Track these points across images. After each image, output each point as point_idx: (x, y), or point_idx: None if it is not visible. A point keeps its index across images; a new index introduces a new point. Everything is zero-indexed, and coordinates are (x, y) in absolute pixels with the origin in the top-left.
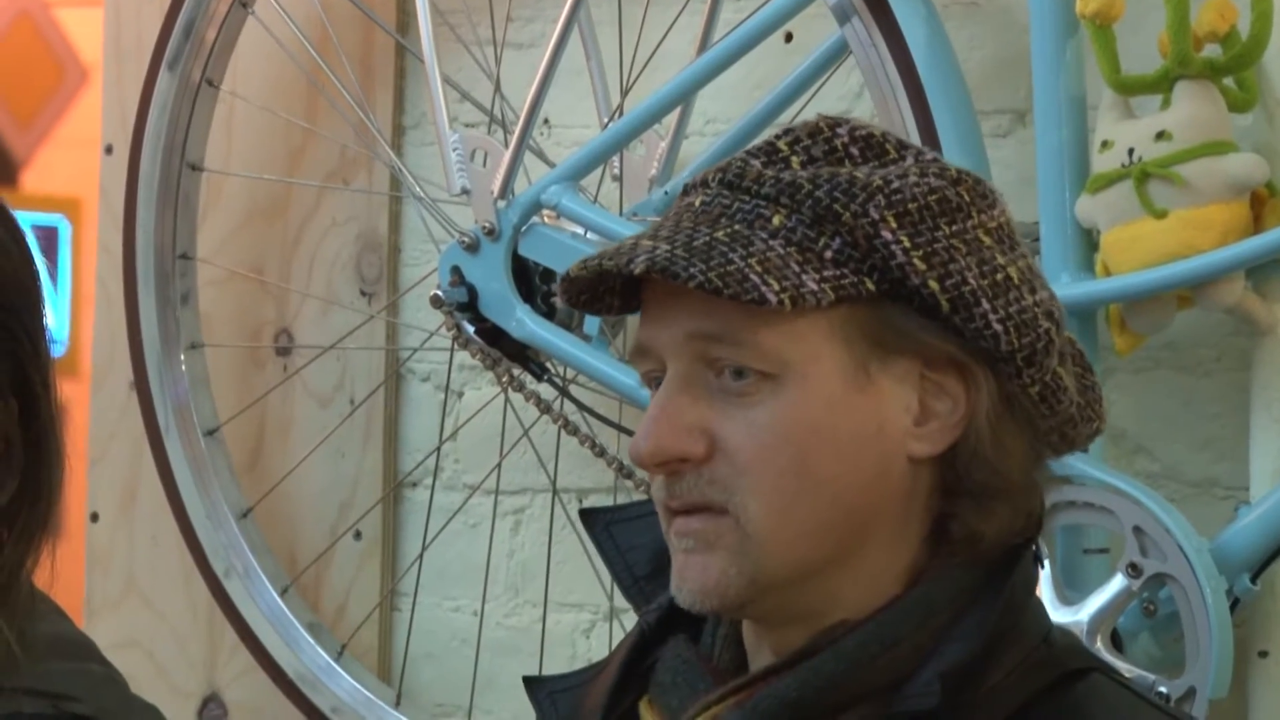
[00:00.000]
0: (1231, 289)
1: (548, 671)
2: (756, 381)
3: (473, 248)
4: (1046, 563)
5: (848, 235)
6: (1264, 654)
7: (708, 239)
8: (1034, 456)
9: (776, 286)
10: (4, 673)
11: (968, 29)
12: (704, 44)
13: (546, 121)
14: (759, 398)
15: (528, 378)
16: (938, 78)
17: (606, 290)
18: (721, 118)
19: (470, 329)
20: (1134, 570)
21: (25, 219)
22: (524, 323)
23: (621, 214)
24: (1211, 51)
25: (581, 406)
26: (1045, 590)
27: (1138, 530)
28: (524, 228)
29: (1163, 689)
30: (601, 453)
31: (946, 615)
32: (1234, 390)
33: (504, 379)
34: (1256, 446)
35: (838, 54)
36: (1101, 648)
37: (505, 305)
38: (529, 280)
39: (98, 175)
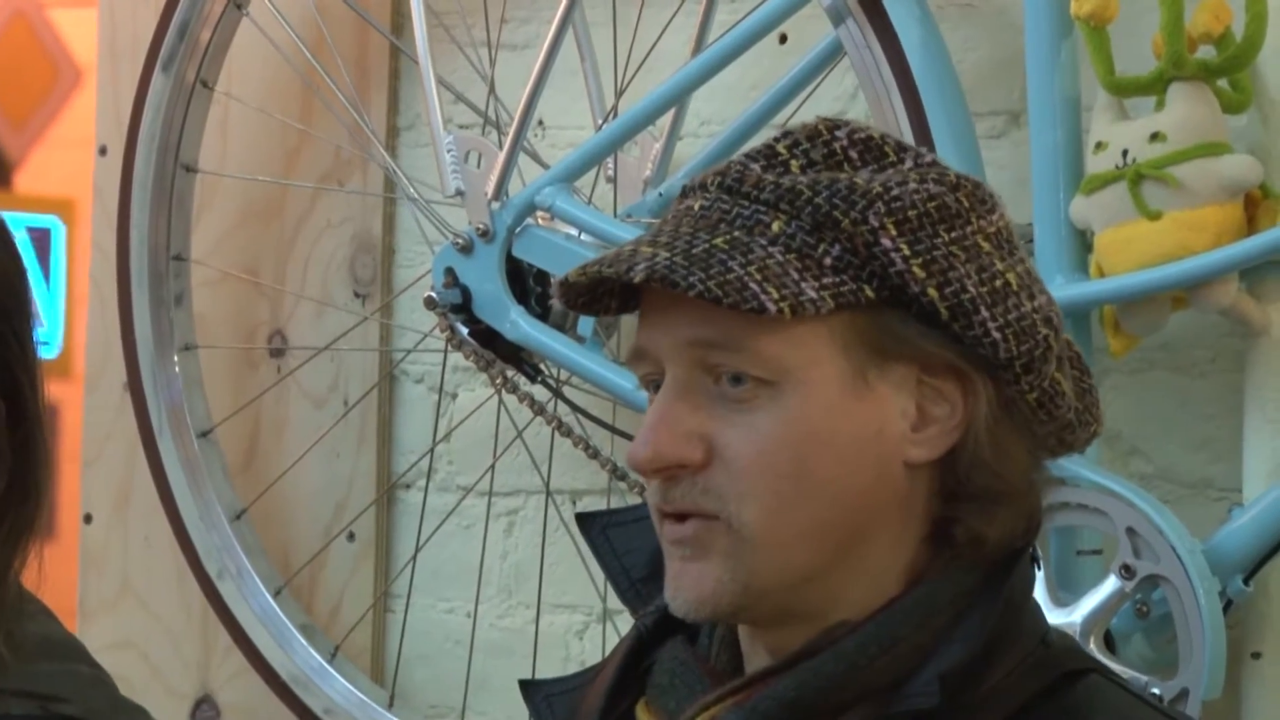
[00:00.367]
0: (1226, 290)
1: (541, 673)
2: (755, 388)
3: (467, 249)
4: (1040, 564)
5: (847, 242)
6: (1257, 655)
7: (707, 246)
8: (1033, 460)
9: (776, 295)
10: None
11: (962, 30)
12: (699, 45)
13: (541, 123)
14: (758, 404)
15: (522, 379)
16: (932, 79)
17: (605, 292)
18: (716, 119)
19: (464, 330)
20: (1127, 572)
21: (19, 220)
22: (518, 324)
23: (616, 215)
24: (1206, 53)
25: (575, 408)
26: (1039, 591)
27: (1131, 532)
28: (518, 229)
29: (1156, 690)
30: (595, 454)
31: (946, 616)
32: (1228, 391)
33: (498, 381)
34: (1250, 448)
35: (832, 55)
36: (1095, 649)
37: (499, 307)
38: (523, 282)
39: (92, 176)
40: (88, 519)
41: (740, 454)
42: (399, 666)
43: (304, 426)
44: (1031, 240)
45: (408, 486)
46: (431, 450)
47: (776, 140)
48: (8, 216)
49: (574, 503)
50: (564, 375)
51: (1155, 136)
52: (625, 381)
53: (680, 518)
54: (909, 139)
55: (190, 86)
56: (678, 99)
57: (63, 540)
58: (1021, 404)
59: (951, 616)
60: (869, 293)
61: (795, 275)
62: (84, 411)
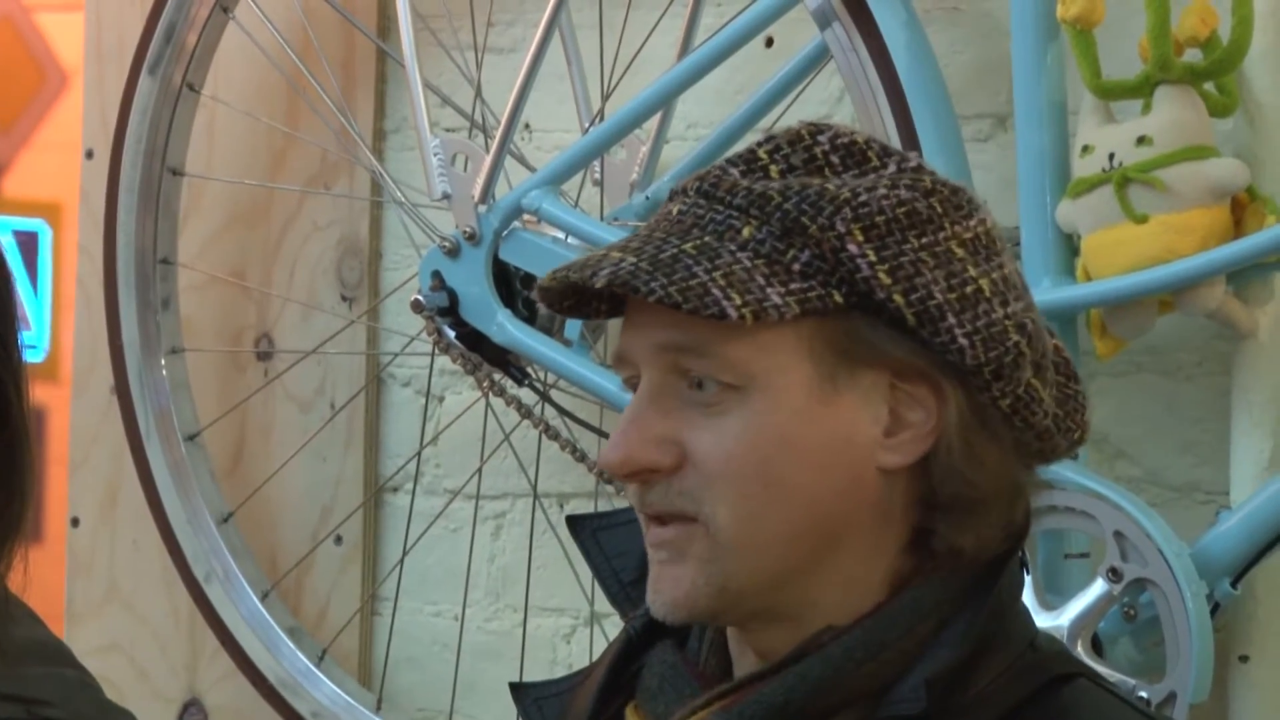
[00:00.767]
0: (1212, 293)
1: (529, 676)
2: (723, 392)
3: (454, 252)
4: (1028, 568)
5: (816, 248)
6: (1244, 659)
7: (675, 251)
8: (1011, 467)
9: (738, 300)
10: None
11: (949, 33)
12: (685, 48)
13: (527, 126)
14: (726, 408)
15: (508, 382)
16: (919, 82)
17: (594, 296)
18: (703, 122)
19: (451, 334)
20: (1114, 575)
21: (5, 224)
22: (505, 327)
23: (603, 218)
24: (1192, 56)
25: (562, 411)
26: (1026, 595)
27: (1118, 535)
28: (505, 232)
29: (1143, 694)
30: (582, 457)
31: (933, 621)
32: (1215, 395)
33: (485, 384)
34: (1237, 451)
35: (819, 59)
36: (1082, 652)
37: (486, 310)
38: (510, 285)
39: (78, 180)
40: (75, 522)
41: (709, 458)
42: (386, 669)
43: (291, 430)
44: (1018, 243)
45: (395, 490)
46: (419, 453)
47: (759, 145)
48: None
49: (561, 506)
50: (551, 378)
51: (1142, 140)
52: (612, 384)
53: (662, 521)
54: (895, 142)
55: (177, 90)
56: (664, 102)
57: (50, 544)
58: (994, 411)
59: (938, 622)
60: (837, 298)
61: (761, 281)
62: (71, 415)
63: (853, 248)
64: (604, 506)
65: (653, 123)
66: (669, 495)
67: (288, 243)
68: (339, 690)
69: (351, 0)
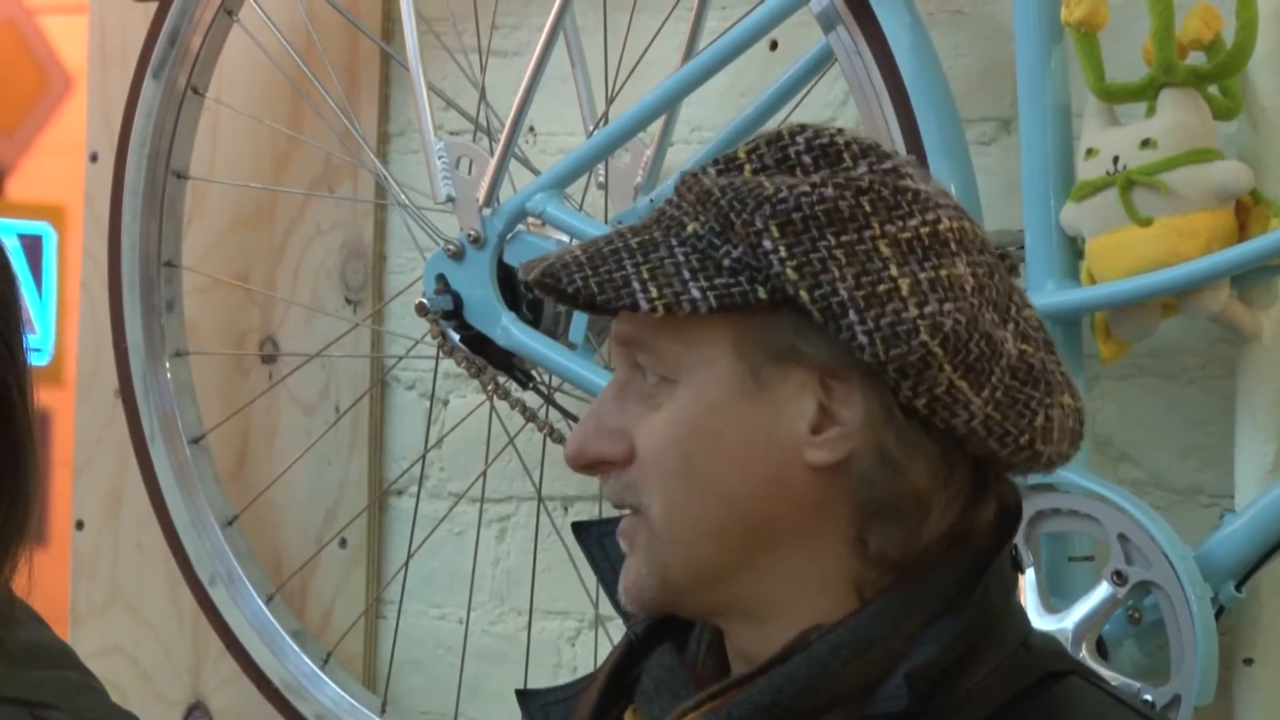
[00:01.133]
0: (1216, 296)
1: (533, 680)
2: (659, 385)
3: (458, 255)
4: (1031, 570)
5: (742, 244)
6: (1249, 661)
7: (621, 245)
8: (939, 472)
9: (654, 293)
10: None
11: (952, 36)
12: (689, 52)
13: (532, 129)
14: (659, 401)
15: (513, 385)
16: (922, 85)
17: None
18: (707, 125)
19: (455, 337)
20: (1119, 578)
21: (10, 227)
22: (509, 330)
23: (607, 221)
24: (1196, 59)
25: (567, 414)
26: (1030, 598)
27: (1123, 538)
28: (509, 235)
29: (1148, 696)
30: None
31: (919, 619)
32: (1219, 398)
33: (489, 387)
34: (1241, 454)
35: (823, 62)
36: (1086, 655)
37: (490, 313)
38: (514, 288)
39: (83, 183)
40: (79, 525)
41: (642, 450)
42: (391, 673)
43: (295, 433)
44: (1021, 246)
45: (399, 493)
46: (423, 457)
47: (743, 145)
48: None
49: (565, 509)
50: (555, 381)
51: (1146, 143)
52: None
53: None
54: (900, 145)
55: (181, 93)
56: (669, 105)
57: (54, 546)
58: (912, 412)
59: (924, 619)
60: (761, 295)
61: (687, 275)
62: (75, 418)
63: (768, 243)
64: (608, 510)
65: (657, 126)
66: (618, 487)
67: (292, 246)
68: (343, 693)
69: (355, 3)
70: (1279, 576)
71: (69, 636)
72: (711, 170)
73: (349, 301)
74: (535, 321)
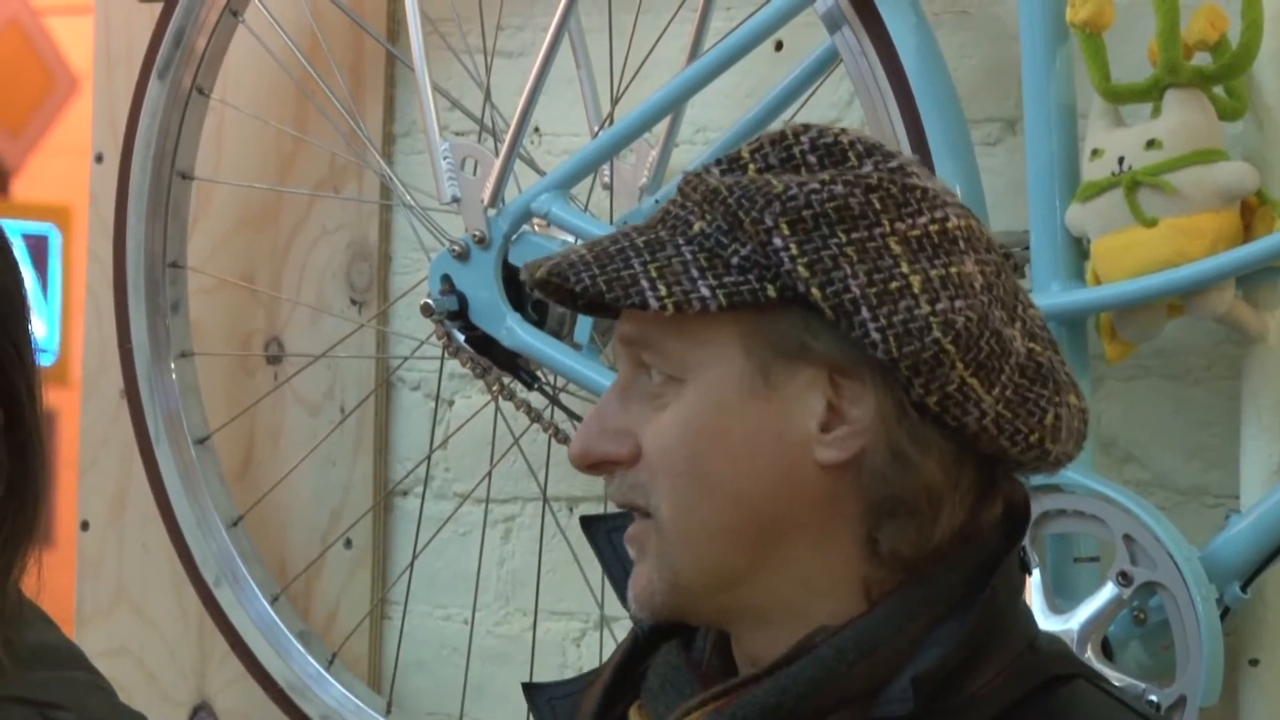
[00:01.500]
0: (1222, 297)
1: (538, 679)
2: (666, 384)
3: (463, 256)
4: (1037, 571)
5: (752, 242)
6: (1254, 662)
7: (627, 244)
8: (951, 470)
9: (664, 292)
10: None
11: (958, 37)
12: (694, 52)
13: (537, 130)
14: (667, 400)
15: (518, 386)
16: (928, 86)
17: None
18: (712, 126)
19: (461, 337)
20: (1124, 578)
21: (15, 228)
22: (514, 331)
23: (612, 222)
24: (1201, 60)
25: (572, 415)
26: (1035, 598)
27: (1128, 538)
28: (514, 236)
29: (1153, 697)
30: None
31: (925, 621)
32: (1224, 398)
33: (494, 387)
34: (1246, 454)
35: (828, 62)
36: (1092, 656)
37: (495, 314)
38: (519, 289)
39: (88, 184)
40: (84, 526)
41: (650, 450)
42: (396, 673)
43: (300, 433)
44: (1027, 247)
45: (405, 493)
46: (428, 457)
47: (747, 144)
48: (4, 224)
49: (570, 510)
50: (561, 382)
51: (1151, 143)
52: None
53: (633, 517)
54: (905, 146)
55: (186, 94)
56: (673, 106)
57: (59, 547)
58: (924, 410)
59: (930, 621)
60: (771, 293)
61: (695, 274)
62: (80, 418)
63: (778, 241)
64: (614, 509)
65: (662, 127)
66: (624, 488)
67: (297, 246)
68: (348, 694)
69: (360, 4)
70: None
71: (74, 637)
72: (715, 170)
73: (354, 302)
74: (540, 322)
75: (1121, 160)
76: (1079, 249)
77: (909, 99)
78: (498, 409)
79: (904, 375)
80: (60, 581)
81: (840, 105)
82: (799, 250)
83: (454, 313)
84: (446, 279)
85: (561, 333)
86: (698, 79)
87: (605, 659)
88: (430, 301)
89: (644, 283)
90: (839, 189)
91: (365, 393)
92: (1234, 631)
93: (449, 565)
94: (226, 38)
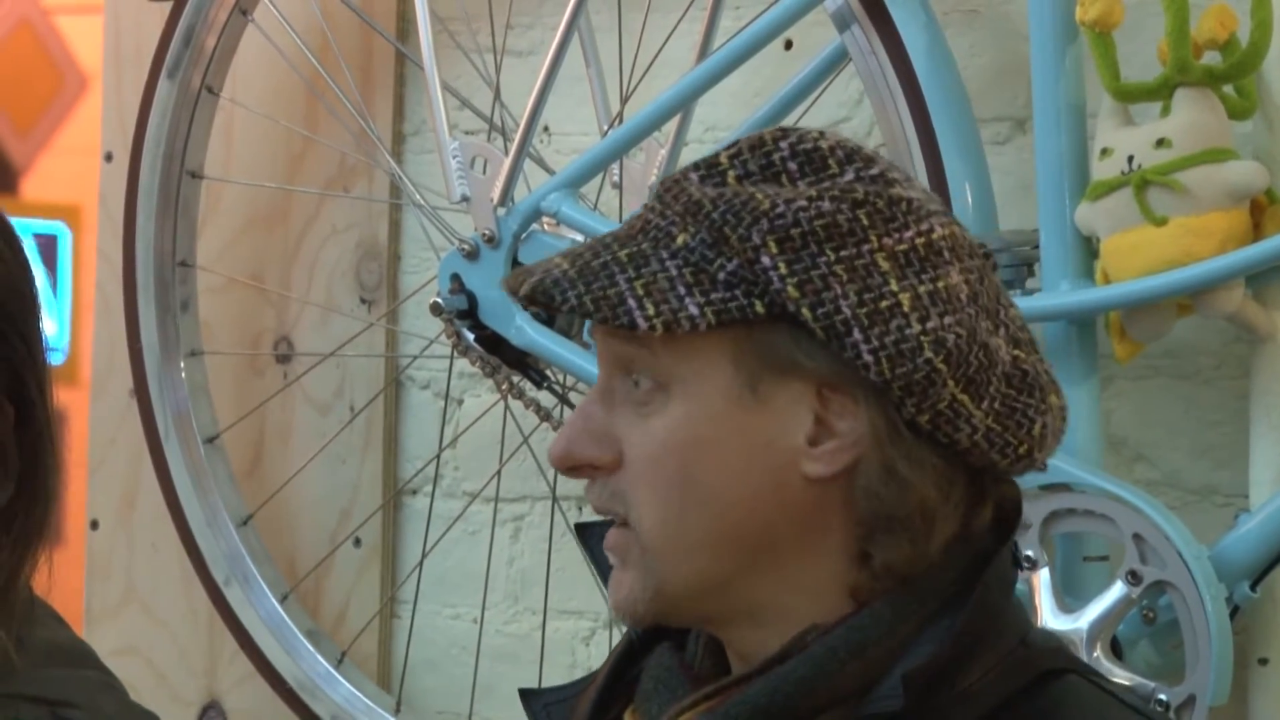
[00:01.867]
0: (1231, 296)
1: (547, 679)
2: (653, 391)
3: (473, 255)
4: (1046, 570)
5: (738, 257)
6: (1264, 661)
7: (610, 258)
8: (943, 484)
9: (651, 311)
10: (2, 679)
11: (967, 36)
12: (704, 51)
13: (546, 129)
14: (653, 409)
15: (527, 385)
16: (937, 85)
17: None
18: (721, 125)
19: (470, 336)
20: (1134, 578)
21: (25, 226)
22: (524, 330)
23: (621, 221)
24: (1211, 59)
25: None
26: (1045, 598)
27: (1137, 538)
28: (524, 235)
29: (1163, 696)
30: None
31: (917, 621)
32: (1234, 398)
33: (504, 386)
34: (1256, 454)
35: (837, 61)
36: (1101, 655)
37: (505, 313)
38: None
39: (98, 183)
40: (94, 525)
41: (635, 458)
42: (405, 672)
43: (310, 432)
44: (1036, 246)
45: (414, 492)
46: (438, 456)
47: (725, 149)
48: (15, 223)
49: (580, 509)
50: (570, 381)
51: (1161, 142)
52: None
53: (614, 524)
54: (914, 145)
55: (195, 93)
56: (683, 105)
57: (68, 546)
58: (916, 427)
59: (922, 619)
60: (759, 308)
61: (682, 290)
62: (90, 417)
63: (766, 260)
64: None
65: (671, 125)
66: (604, 495)
67: (306, 245)
68: (358, 693)
69: (370, 3)
70: None
71: (83, 636)
72: (694, 176)
73: (364, 301)
74: (549, 321)
75: (1131, 159)
76: (1088, 248)
77: (918, 98)
78: (507, 408)
79: (896, 395)
80: (69, 580)
81: (849, 104)
82: (788, 270)
83: (463, 311)
84: (456, 278)
85: (570, 331)
86: (707, 78)
87: (603, 663)
88: (440, 300)
89: (631, 301)
90: (826, 205)
91: (374, 392)
92: (1243, 630)
93: (458, 564)
94: (236, 37)
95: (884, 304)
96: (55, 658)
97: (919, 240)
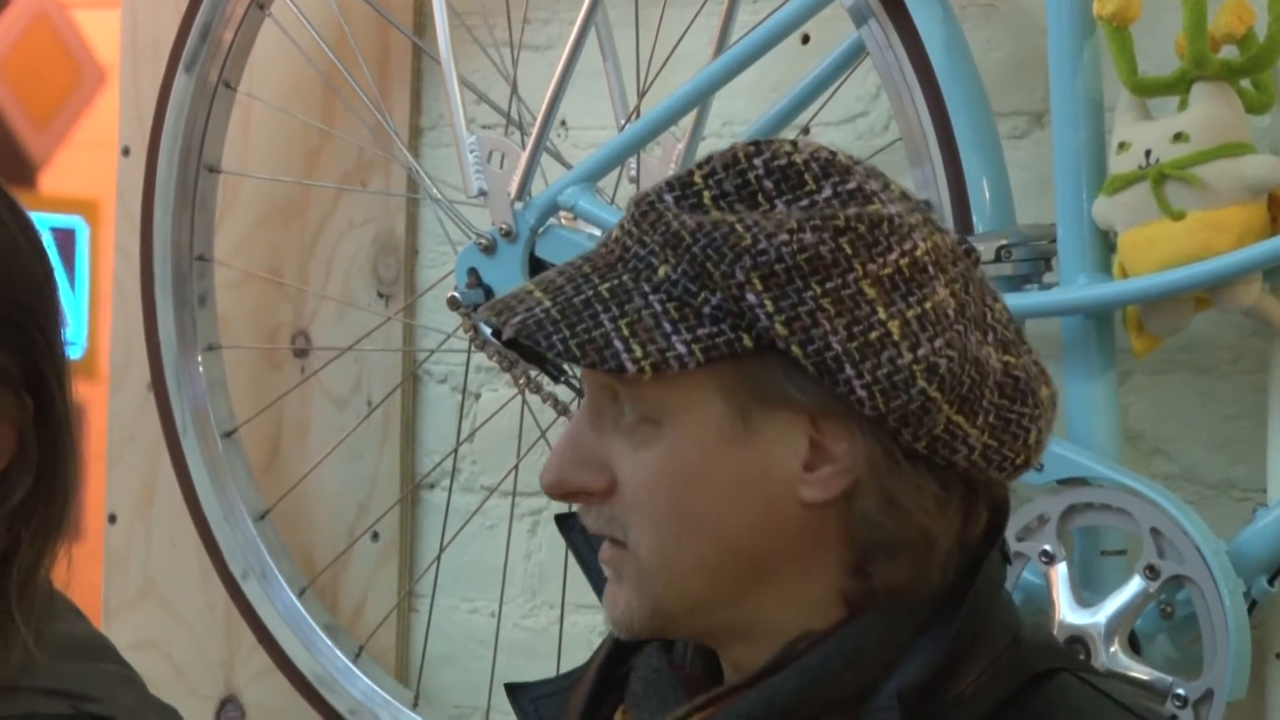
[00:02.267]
0: (1249, 290)
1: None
2: (641, 423)
3: (490, 249)
4: (1064, 564)
5: (722, 292)
6: None
7: (590, 294)
8: (943, 504)
9: (639, 353)
10: (21, 672)
11: (985, 30)
12: (721, 45)
13: (563, 123)
14: (644, 439)
15: (545, 379)
16: (955, 79)
17: None
18: (738, 119)
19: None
20: (1151, 572)
21: (43, 220)
22: None
23: None
24: (1229, 53)
25: None
26: (1062, 592)
27: (1155, 532)
28: (541, 229)
29: (1180, 691)
30: None
31: (910, 628)
32: (1251, 392)
33: (521, 381)
34: (1274, 448)
35: (854, 55)
36: (1119, 650)
37: None
38: None
39: (115, 177)
40: (112, 519)
41: (628, 488)
42: (423, 666)
43: (327, 426)
44: (1054, 240)
45: (431, 486)
46: (455, 450)
47: (698, 166)
48: (33, 217)
49: None
50: None
51: (1178, 137)
52: None
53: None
54: (931, 139)
55: (213, 87)
56: (700, 99)
57: (86, 540)
58: (912, 453)
59: (916, 627)
60: (747, 342)
61: (668, 327)
62: (108, 412)
63: (751, 297)
64: None
65: (688, 120)
66: (600, 520)
67: (324, 240)
68: (375, 687)
69: None
70: None
71: (102, 630)
72: (669, 198)
73: (381, 295)
74: None
75: (1148, 153)
76: (1106, 242)
77: (936, 92)
78: (524, 402)
79: (892, 426)
80: (87, 574)
81: (867, 99)
82: (774, 307)
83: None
84: (473, 272)
85: None
86: (724, 72)
87: (589, 659)
88: (457, 294)
89: (618, 343)
90: (808, 238)
91: (392, 386)
92: (1261, 625)
93: (476, 559)
94: (253, 31)
95: (874, 335)
96: (74, 652)
97: (903, 261)
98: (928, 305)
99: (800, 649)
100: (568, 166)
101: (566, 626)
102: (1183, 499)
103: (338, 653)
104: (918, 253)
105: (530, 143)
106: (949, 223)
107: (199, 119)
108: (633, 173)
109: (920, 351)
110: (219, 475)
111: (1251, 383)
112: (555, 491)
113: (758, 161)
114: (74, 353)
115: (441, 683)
